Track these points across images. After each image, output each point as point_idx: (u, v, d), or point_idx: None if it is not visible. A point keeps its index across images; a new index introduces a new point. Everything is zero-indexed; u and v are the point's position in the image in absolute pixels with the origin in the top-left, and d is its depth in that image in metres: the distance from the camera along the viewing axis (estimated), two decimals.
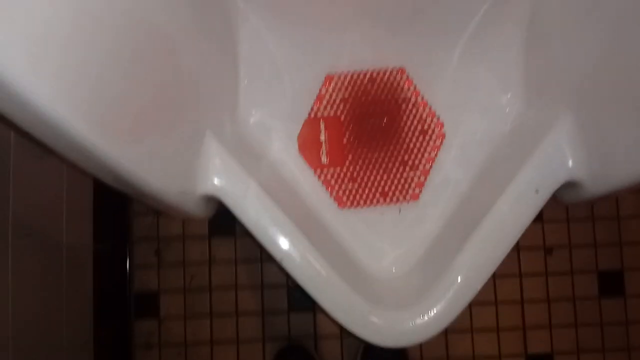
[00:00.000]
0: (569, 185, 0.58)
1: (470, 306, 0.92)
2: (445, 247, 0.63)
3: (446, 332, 0.91)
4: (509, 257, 0.94)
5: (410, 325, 0.57)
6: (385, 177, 0.73)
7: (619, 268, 0.93)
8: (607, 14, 0.52)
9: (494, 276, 0.92)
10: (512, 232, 0.57)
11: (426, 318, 0.57)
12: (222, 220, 0.92)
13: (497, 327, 0.91)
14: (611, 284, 0.93)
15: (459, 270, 0.57)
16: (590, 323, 0.92)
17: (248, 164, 0.59)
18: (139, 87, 0.45)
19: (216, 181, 0.57)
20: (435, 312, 0.57)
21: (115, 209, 0.88)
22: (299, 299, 0.91)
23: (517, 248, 0.93)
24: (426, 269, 0.65)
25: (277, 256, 0.57)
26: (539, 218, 0.93)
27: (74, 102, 0.36)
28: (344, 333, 0.91)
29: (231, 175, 0.58)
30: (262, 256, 0.91)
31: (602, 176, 0.54)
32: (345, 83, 0.74)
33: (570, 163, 0.56)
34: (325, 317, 0.92)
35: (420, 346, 0.91)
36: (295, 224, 0.57)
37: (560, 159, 0.56)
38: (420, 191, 0.72)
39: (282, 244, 0.57)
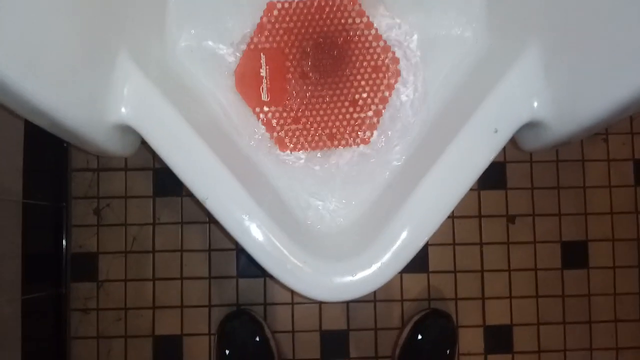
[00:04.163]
0: (531, 127, 0.52)
1: (428, 274, 0.89)
2: (395, 196, 0.58)
3: (402, 302, 0.87)
4: (470, 224, 0.92)
5: (348, 278, 0.51)
6: (333, 118, 0.66)
7: (583, 239, 0.90)
8: None
9: (454, 244, 0.88)
10: (465, 176, 0.51)
11: (367, 271, 0.52)
12: (168, 179, 0.86)
13: (455, 297, 0.88)
14: (575, 255, 0.89)
15: (404, 221, 0.52)
16: (551, 294, 0.88)
17: (173, 94, 0.53)
18: None
19: (131, 109, 0.51)
20: (377, 265, 0.52)
21: (50, 163, 0.82)
22: (249, 265, 0.86)
23: (479, 215, 0.89)
24: (372, 220, 0.59)
25: (200, 196, 0.51)
26: (502, 185, 0.89)
27: None
28: (295, 300, 0.86)
29: (150, 103, 0.51)
30: (211, 218, 0.86)
31: (568, 114, 0.48)
32: (290, 11, 0.66)
33: (533, 100, 0.51)
34: (275, 284, 0.87)
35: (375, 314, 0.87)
36: (222, 161, 0.51)
37: (522, 95, 0.51)
38: (372, 135, 0.65)
39: (206, 182, 0.51)
